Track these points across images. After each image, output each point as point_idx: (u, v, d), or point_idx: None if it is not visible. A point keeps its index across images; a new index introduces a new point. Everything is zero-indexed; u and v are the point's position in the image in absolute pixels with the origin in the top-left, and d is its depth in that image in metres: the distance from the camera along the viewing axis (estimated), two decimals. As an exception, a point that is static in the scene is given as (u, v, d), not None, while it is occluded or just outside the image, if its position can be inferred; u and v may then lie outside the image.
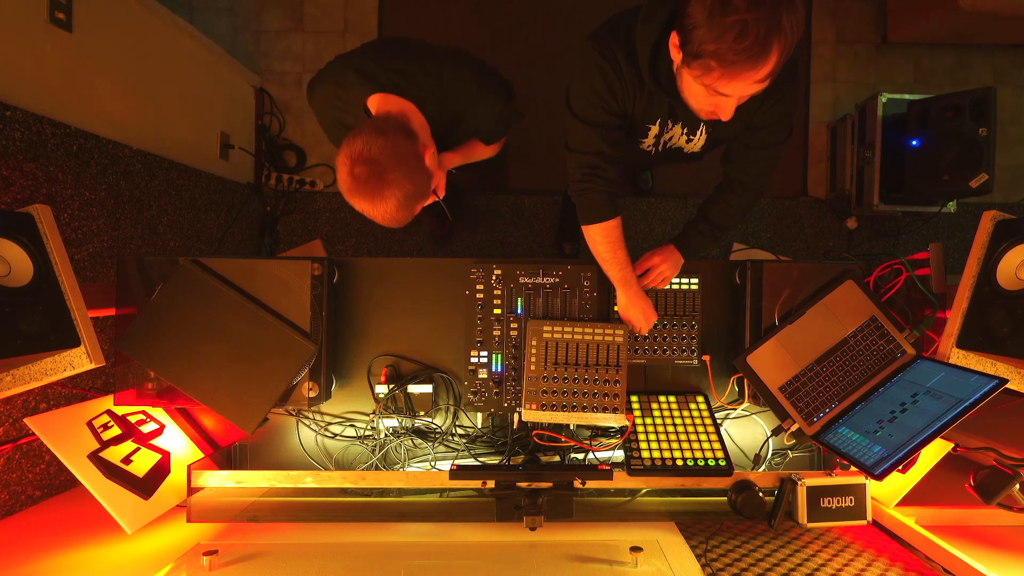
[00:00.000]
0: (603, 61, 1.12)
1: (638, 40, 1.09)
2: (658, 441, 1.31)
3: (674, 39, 0.98)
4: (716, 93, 0.99)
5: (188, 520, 1.27)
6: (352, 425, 1.44)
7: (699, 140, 1.31)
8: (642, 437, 1.32)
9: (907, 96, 2.43)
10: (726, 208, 1.35)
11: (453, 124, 1.38)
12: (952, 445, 1.22)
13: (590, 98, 1.17)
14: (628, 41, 1.11)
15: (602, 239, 1.27)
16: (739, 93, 0.99)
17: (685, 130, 1.28)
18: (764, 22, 0.89)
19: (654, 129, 1.27)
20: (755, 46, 0.90)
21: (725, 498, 1.30)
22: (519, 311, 1.38)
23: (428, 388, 1.38)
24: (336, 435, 1.44)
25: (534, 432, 1.36)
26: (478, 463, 1.40)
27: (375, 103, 1.26)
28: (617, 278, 1.31)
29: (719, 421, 1.40)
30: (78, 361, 1.15)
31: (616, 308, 1.37)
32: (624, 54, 1.11)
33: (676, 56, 1.00)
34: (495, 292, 1.38)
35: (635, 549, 1.13)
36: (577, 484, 1.23)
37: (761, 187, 1.33)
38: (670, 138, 1.31)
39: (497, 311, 1.38)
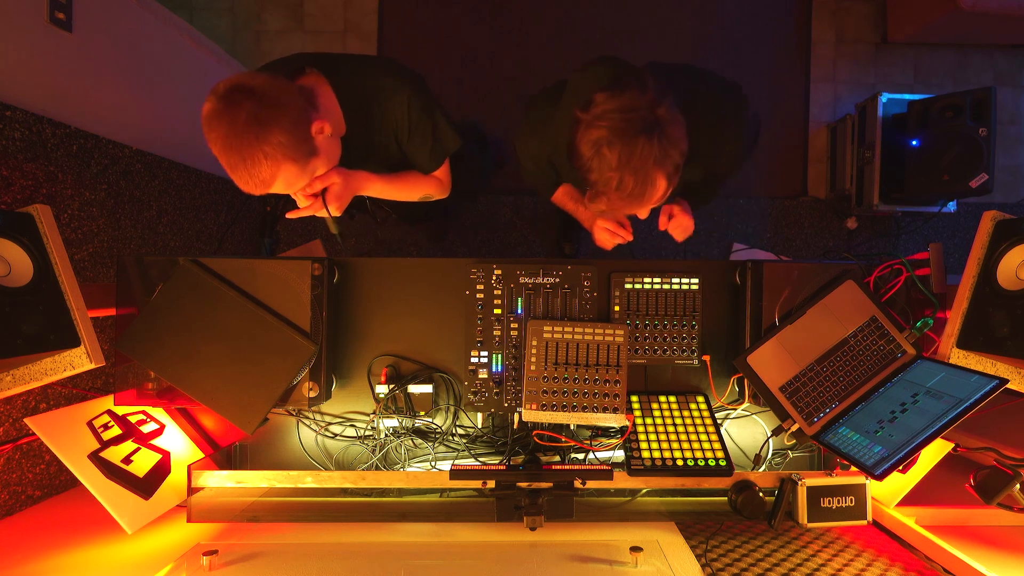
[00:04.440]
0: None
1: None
2: (658, 441, 1.31)
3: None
4: None
5: (188, 520, 1.27)
6: (352, 425, 1.44)
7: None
8: (642, 437, 1.32)
9: (907, 96, 2.43)
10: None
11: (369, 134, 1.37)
12: (952, 445, 1.22)
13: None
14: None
15: (568, 198, 1.55)
16: (644, 212, 1.14)
17: None
18: (637, 171, 0.94)
19: None
20: (637, 188, 1.00)
21: (725, 498, 1.30)
22: (519, 311, 1.38)
23: (428, 388, 1.38)
24: (336, 435, 1.44)
25: (534, 432, 1.36)
26: (478, 463, 1.40)
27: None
28: (587, 217, 1.52)
29: (719, 421, 1.40)
30: (78, 361, 1.15)
31: (596, 243, 1.55)
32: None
33: None
34: (495, 292, 1.38)
35: (635, 549, 1.13)
36: (577, 484, 1.23)
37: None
38: None
39: (497, 311, 1.38)
